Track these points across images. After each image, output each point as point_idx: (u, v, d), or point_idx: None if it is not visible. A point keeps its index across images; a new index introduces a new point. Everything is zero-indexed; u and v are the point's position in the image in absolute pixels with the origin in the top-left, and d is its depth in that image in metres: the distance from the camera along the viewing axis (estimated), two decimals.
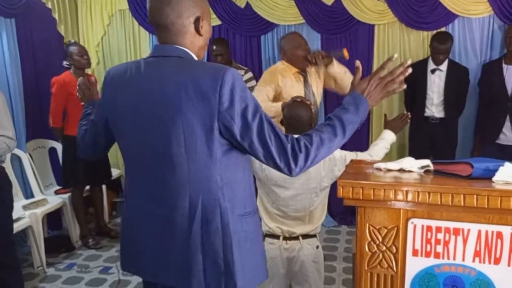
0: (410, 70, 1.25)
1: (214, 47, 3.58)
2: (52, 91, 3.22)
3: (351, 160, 1.54)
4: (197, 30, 1.25)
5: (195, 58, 1.26)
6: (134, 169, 1.29)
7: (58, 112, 3.23)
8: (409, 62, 1.25)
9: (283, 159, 1.16)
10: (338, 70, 2.85)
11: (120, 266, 1.40)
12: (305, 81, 2.87)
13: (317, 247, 1.93)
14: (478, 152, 3.41)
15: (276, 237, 1.89)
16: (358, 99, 1.25)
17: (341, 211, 3.80)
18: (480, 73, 3.46)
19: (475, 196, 1.05)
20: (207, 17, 1.28)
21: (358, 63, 1.31)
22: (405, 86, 1.30)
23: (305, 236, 1.89)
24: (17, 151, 3.18)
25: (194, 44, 1.26)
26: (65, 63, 3.32)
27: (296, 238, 1.88)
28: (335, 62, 2.85)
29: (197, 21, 1.23)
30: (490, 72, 3.32)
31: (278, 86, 2.76)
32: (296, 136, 1.20)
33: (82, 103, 1.67)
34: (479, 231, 1.08)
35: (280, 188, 1.85)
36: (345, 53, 2.59)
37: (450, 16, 3.52)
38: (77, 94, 1.68)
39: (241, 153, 1.23)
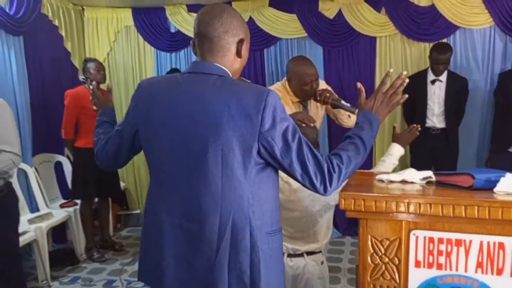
0: (407, 80, 1.33)
1: None
2: (65, 103, 3.32)
3: (354, 172, 1.54)
4: (238, 52, 1.27)
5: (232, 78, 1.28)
6: (162, 182, 1.27)
7: (70, 124, 3.33)
8: (405, 73, 1.33)
9: (319, 179, 1.19)
10: (342, 112, 2.59)
11: (138, 277, 1.38)
12: (304, 111, 2.74)
13: (322, 262, 1.90)
14: (492, 161, 3.39)
15: None
16: (370, 116, 1.32)
17: (346, 222, 3.79)
18: (497, 82, 3.46)
19: (476, 207, 1.05)
20: (248, 43, 1.31)
21: (359, 85, 1.40)
22: (407, 96, 1.37)
23: (310, 253, 1.86)
24: (23, 166, 3.21)
25: (232, 65, 1.27)
26: (81, 77, 3.44)
27: (301, 255, 1.86)
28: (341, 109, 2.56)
29: (240, 43, 1.26)
30: (508, 80, 3.30)
31: None
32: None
33: (95, 108, 1.68)
34: (481, 242, 1.08)
35: (284, 210, 1.82)
36: (356, 112, 2.32)
37: (451, 28, 3.56)
38: (91, 99, 1.69)
39: (273, 172, 1.26)
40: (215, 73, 1.23)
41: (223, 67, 1.25)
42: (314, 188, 1.21)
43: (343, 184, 1.30)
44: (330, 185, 1.20)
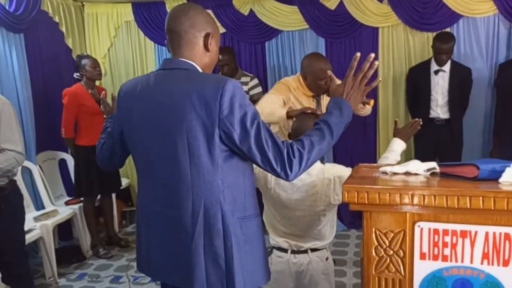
0: (377, 63, 1.35)
1: (220, 56, 3.60)
2: (63, 102, 3.30)
3: (358, 164, 1.53)
4: (205, 45, 1.34)
5: (200, 71, 1.34)
6: (146, 175, 1.37)
7: (69, 122, 3.31)
8: (372, 55, 1.34)
9: (279, 164, 1.22)
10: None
11: (136, 266, 1.48)
12: (317, 105, 2.79)
13: (327, 259, 1.88)
14: (497, 153, 3.36)
15: (284, 250, 1.84)
16: (339, 102, 1.34)
17: (350, 215, 3.78)
18: (496, 74, 3.43)
19: (481, 198, 1.04)
20: (217, 38, 1.38)
21: (330, 72, 1.47)
22: (380, 79, 1.39)
23: (314, 249, 1.84)
24: (27, 163, 3.22)
25: (201, 59, 1.34)
26: (76, 75, 3.41)
27: (305, 251, 1.83)
28: None
29: (206, 36, 1.34)
30: (508, 70, 3.26)
31: (288, 101, 2.67)
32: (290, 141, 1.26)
33: (104, 116, 1.83)
34: (487, 233, 1.07)
35: (287, 209, 1.81)
36: (371, 102, 2.33)
37: (454, 17, 3.51)
38: (101, 108, 1.87)
39: (242, 159, 1.30)
40: (181, 67, 1.31)
41: (190, 61, 1.32)
42: (275, 173, 1.24)
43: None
44: (291, 170, 1.22)
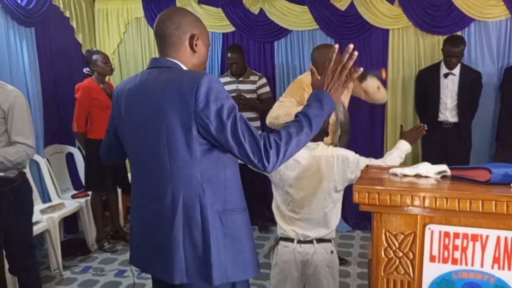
0: (356, 53, 1.35)
1: (229, 54, 3.61)
2: (76, 97, 3.32)
3: (367, 165, 1.53)
4: (191, 46, 1.38)
5: (185, 69, 1.37)
6: (135, 168, 1.43)
7: (82, 117, 3.33)
8: (351, 46, 1.35)
9: (256, 155, 1.23)
10: (371, 84, 2.72)
11: (129, 260, 1.51)
12: None
13: (332, 252, 1.92)
14: (500, 157, 3.35)
15: (291, 240, 1.90)
16: (320, 94, 1.36)
17: (355, 216, 3.78)
18: (502, 77, 3.41)
19: (493, 202, 1.03)
20: (204, 39, 1.41)
21: (311, 66, 1.47)
22: (361, 69, 1.38)
23: (320, 240, 1.89)
24: (35, 157, 3.23)
25: (187, 59, 1.38)
26: (86, 70, 3.41)
27: (311, 242, 1.88)
28: (369, 77, 2.71)
29: (192, 38, 1.37)
30: None
31: (302, 99, 2.69)
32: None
33: None
34: (498, 237, 1.07)
35: (294, 189, 1.87)
36: (383, 73, 2.35)
37: (465, 20, 3.49)
38: None
39: (223, 153, 1.31)
40: (165, 65, 1.36)
41: (174, 60, 1.36)
42: (253, 165, 1.25)
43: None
44: (268, 162, 1.23)
